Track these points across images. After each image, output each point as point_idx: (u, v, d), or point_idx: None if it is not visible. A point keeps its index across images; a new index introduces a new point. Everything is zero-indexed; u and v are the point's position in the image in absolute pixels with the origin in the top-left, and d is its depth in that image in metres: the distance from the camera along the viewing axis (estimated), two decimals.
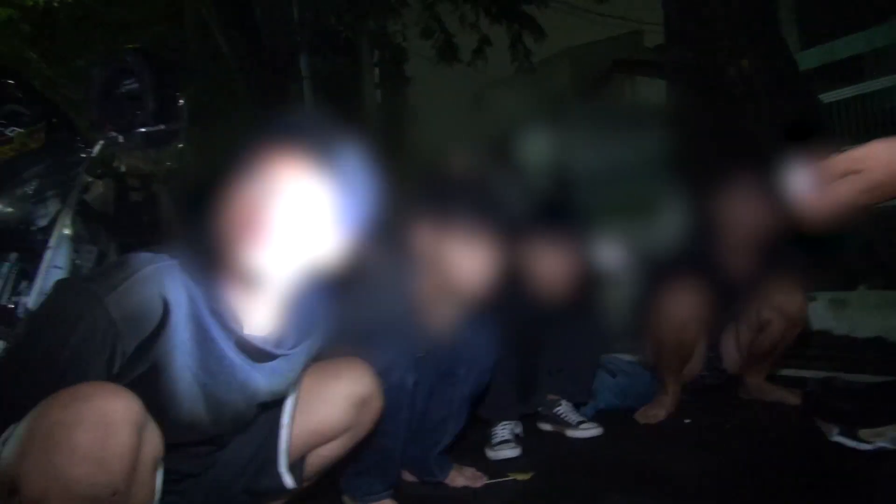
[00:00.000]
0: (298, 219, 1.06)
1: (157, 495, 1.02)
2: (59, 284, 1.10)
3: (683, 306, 2.14)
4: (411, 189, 1.65)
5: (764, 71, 4.29)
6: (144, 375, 1.02)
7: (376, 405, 1.33)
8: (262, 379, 1.15)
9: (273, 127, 1.10)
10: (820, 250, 2.35)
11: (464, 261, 1.62)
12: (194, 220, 1.08)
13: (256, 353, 1.13)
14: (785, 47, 4.54)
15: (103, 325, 0.97)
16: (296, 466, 1.25)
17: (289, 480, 1.22)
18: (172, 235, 1.17)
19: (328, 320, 1.22)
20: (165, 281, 1.04)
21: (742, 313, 2.33)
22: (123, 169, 2.36)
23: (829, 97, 5.57)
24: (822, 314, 3.41)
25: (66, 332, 0.98)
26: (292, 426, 1.23)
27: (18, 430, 0.92)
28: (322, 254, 1.09)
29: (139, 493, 0.95)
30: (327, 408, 1.27)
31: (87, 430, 0.87)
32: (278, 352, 1.15)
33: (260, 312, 1.13)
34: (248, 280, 1.08)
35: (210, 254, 1.06)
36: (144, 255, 1.06)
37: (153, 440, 0.97)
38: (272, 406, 1.23)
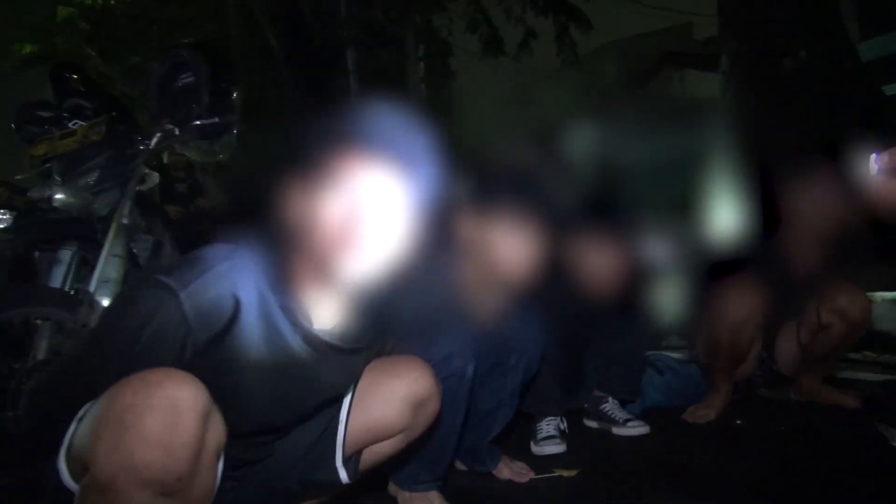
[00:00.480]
0: (387, 225, 1.07)
1: (218, 482, 1.05)
2: (137, 278, 1.14)
3: (742, 306, 2.08)
4: (461, 180, 1.64)
5: (823, 62, 4.13)
6: (212, 368, 1.04)
7: (433, 407, 1.32)
8: (326, 373, 1.17)
9: (351, 127, 1.09)
10: (883, 248, 2.25)
11: (514, 247, 1.61)
12: (258, 215, 1.10)
13: (323, 348, 1.14)
14: (846, 37, 4.36)
15: (176, 319, 1.00)
16: (350, 461, 1.26)
17: (344, 475, 1.24)
18: (223, 224, 1.19)
19: (396, 317, 1.22)
20: (238, 278, 1.06)
21: (801, 314, 2.25)
22: (166, 160, 2.42)
23: (890, 90, 5.32)
24: (884, 315, 3.27)
25: (140, 324, 1.01)
26: (348, 423, 1.24)
27: (93, 411, 0.96)
28: (398, 253, 1.10)
29: (201, 480, 0.98)
30: (384, 408, 1.27)
31: (156, 417, 0.89)
32: (345, 347, 1.17)
33: (329, 307, 1.14)
34: (331, 282, 1.09)
35: (282, 251, 1.08)
36: (219, 250, 1.08)
37: (217, 429, 0.99)
38: (333, 401, 1.24)
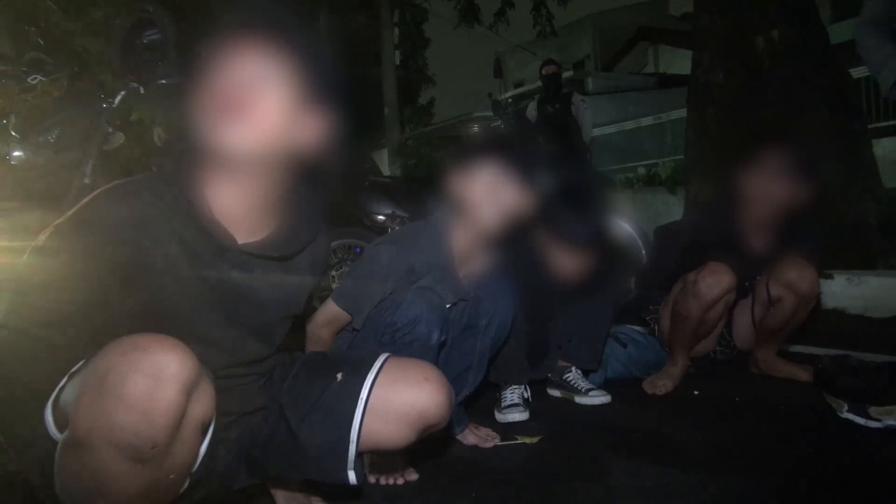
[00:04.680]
0: (274, 99, 1.02)
1: (200, 456, 1.04)
2: (34, 246, 1.09)
3: (716, 285, 2.11)
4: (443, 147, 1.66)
5: (794, 43, 4.18)
6: (146, 301, 1.04)
7: (442, 426, 1.30)
8: (270, 288, 1.16)
9: (236, 13, 1.05)
10: (839, 228, 2.31)
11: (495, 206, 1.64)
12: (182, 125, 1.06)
13: (257, 262, 1.13)
14: (816, 19, 4.41)
15: (79, 259, 0.99)
16: (356, 464, 1.24)
17: (353, 477, 1.21)
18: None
19: (324, 216, 1.21)
20: (131, 203, 1.03)
21: (755, 289, 2.31)
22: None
23: (858, 72, 5.42)
24: (839, 292, 3.38)
25: (49, 280, 0.99)
26: (360, 435, 1.21)
27: (83, 367, 0.96)
28: (302, 143, 1.07)
29: (180, 452, 0.97)
30: (391, 429, 1.23)
31: (138, 381, 0.89)
32: (277, 254, 1.15)
33: (253, 216, 1.12)
34: (231, 168, 1.05)
35: (196, 167, 1.06)
36: (110, 185, 1.06)
37: (204, 402, 0.98)
38: (290, 314, 1.24)
